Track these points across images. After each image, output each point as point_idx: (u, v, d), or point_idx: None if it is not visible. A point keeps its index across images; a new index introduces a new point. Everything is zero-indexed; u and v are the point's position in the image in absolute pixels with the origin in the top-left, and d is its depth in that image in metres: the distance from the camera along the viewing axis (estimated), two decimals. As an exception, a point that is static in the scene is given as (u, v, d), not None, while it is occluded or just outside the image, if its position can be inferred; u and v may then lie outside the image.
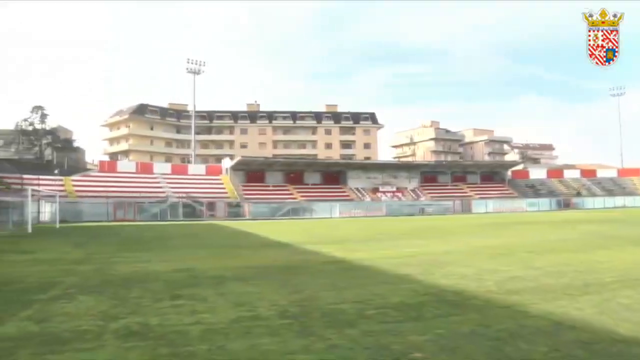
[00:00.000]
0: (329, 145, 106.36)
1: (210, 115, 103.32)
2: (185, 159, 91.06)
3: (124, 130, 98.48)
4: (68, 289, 7.69)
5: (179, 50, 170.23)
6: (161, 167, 68.00)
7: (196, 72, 76.60)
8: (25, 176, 45.80)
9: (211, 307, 6.04)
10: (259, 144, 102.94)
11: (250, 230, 26.70)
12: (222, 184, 64.91)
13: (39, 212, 40.78)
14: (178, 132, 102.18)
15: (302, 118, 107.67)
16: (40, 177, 50.09)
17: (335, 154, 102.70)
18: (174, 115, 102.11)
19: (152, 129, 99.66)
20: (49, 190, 42.73)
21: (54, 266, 11.04)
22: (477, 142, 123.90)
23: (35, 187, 37.77)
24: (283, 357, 4.08)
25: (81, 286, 7.96)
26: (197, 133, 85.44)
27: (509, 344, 4.30)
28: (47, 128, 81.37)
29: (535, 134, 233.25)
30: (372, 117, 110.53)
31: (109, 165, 67.38)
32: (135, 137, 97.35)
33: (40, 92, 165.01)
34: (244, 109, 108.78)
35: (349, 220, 44.00)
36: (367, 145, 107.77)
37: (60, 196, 42.60)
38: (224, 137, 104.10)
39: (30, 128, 79.87)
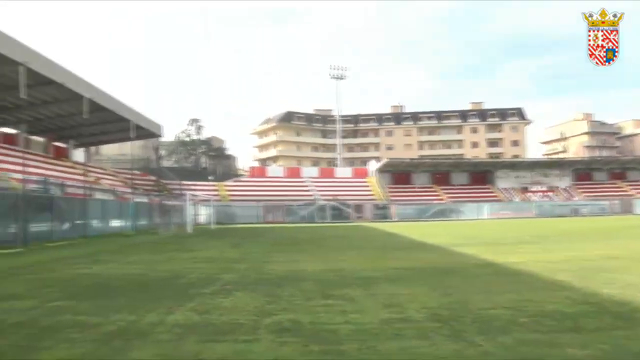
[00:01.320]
0: (475, 144, 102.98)
1: (355, 119, 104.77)
2: (331, 163, 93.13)
3: (272, 137, 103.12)
4: (225, 285, 8.15)
5: (322, 57, 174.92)
6: (308, 171, 70.17)
7: (339, 78, 78.46)
8: (184, 182, 50.10)
9: (361, 308, 6.04)
10: (404, 145, 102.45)
11: (397, 232, 26.57)
12: (368, 186, 65.54)
13: (196, 215, 44.00)
14: (324, 136, 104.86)
15: (447, 117, 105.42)
16: (197, 183, 54.43)
17: (481, 152, 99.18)
18: (320, 121, 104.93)
19: (298, 134, 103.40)
20: (204, 194, 46.12)
21: (213, 264, 11.81)
22: (637, 134, 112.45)
23: (193, 192, 40.90)
24: (435, 361, 3.94)
25: (237, 283, 8.38)
26: (342, 137, 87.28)
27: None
28: (203, 138, 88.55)
29: None
30: (519, 113, 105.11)
31: (259, 170, 71.10)
32: (283, 143, 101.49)
33: (195, 105, 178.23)
34: (388, 111, 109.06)
35: (497, 222, 42.27)
36: (515, 143, 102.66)
37: (214, 200, 45.98)
38: (369, 139, 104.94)
39: (187, 139, 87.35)
